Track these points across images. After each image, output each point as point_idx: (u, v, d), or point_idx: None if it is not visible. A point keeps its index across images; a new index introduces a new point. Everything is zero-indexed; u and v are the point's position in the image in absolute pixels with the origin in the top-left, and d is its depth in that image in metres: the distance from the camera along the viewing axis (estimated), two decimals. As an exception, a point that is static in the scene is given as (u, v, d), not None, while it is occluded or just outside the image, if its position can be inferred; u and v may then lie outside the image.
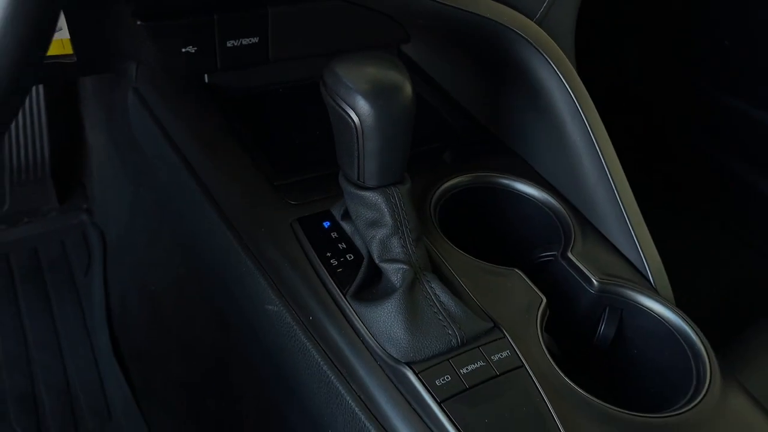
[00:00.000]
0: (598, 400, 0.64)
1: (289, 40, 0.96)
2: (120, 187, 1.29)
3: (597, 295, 0.76)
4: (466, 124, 0.98)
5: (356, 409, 0.64)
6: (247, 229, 0.78)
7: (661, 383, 0.74)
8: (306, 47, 0.98)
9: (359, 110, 0.62)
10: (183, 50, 0.89)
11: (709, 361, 0.70)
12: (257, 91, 0.99)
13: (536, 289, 0.73)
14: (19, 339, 1.38)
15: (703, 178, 1.55)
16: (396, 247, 0.67)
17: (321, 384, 0.68)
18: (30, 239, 1.55)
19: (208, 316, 0.99)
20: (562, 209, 0.84)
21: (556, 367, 0.66)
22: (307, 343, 0.68)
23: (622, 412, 0.64)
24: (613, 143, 0.84)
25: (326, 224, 0.75)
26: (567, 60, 0.82)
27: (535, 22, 0.81)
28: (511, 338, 0.66)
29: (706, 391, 0.67)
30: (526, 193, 0.86)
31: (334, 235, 0.74)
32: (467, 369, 0.63)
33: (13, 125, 1.47)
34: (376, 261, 0.68)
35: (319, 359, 0.67)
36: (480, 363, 0.63)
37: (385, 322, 0.64)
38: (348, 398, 0.64)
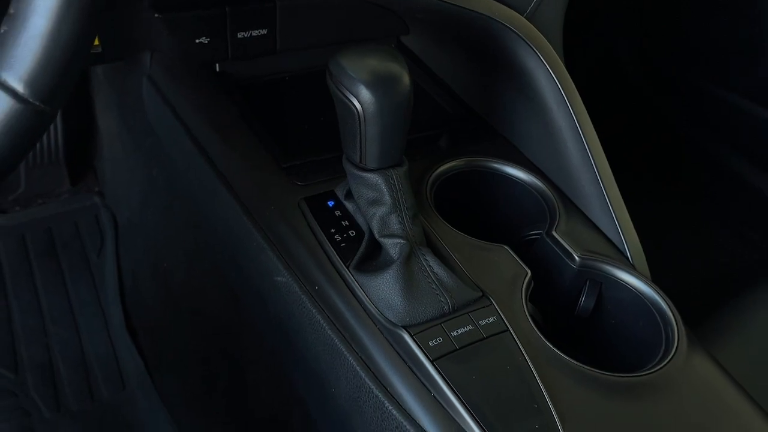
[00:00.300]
0: (574, 361, 0.69)
1: (295, 31, 0.99)
2: (131, 169, 1.30)
3: (578, 270, 0.79)
4: (460, 112, 1.01)
5: (358, 368, 0.68)
6: (258, 207, 0.81)
7: (635, 349, 0.77)
8: (311, 38, 1.01)
9: (362, 98, 0.66)
10: (197, 41, 0.92)
11: (677, 329, 0.74)
12: (265, 80, 1.02)
13: (522, 263, 0.76)
14: (35, 313, 1.40)
15: (684, 162, 1.58)
16: (394, 223, 0.71)
17: (326, 347, 0.72)
18: (44, 220, 1.56)
19: (218, 290, 1.02)
20: (548, 191, 0.87)
21: (537, 332, 0.70)
22: (313, 311, 0.72)
23: (595, 372, 0.68)
24: (598, 131, 0.86)
25: (330, 203, 0.79)
26: (554, 51, 0.84)
27: (525, 17, 0.83)
28: (498, 306, 0.70)
29: (673, 355, 0.71)
30: (515, 176, 0.90)
31: (337, 213, 0.78)
32: (457, 332, 0.67)
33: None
34: (376, 236, 0.72)
35: (325, 324, 0.71)
36: (469, 327, 0.68)
37: (384, 290, 0.68)
38: (350, 359, 0.69)
